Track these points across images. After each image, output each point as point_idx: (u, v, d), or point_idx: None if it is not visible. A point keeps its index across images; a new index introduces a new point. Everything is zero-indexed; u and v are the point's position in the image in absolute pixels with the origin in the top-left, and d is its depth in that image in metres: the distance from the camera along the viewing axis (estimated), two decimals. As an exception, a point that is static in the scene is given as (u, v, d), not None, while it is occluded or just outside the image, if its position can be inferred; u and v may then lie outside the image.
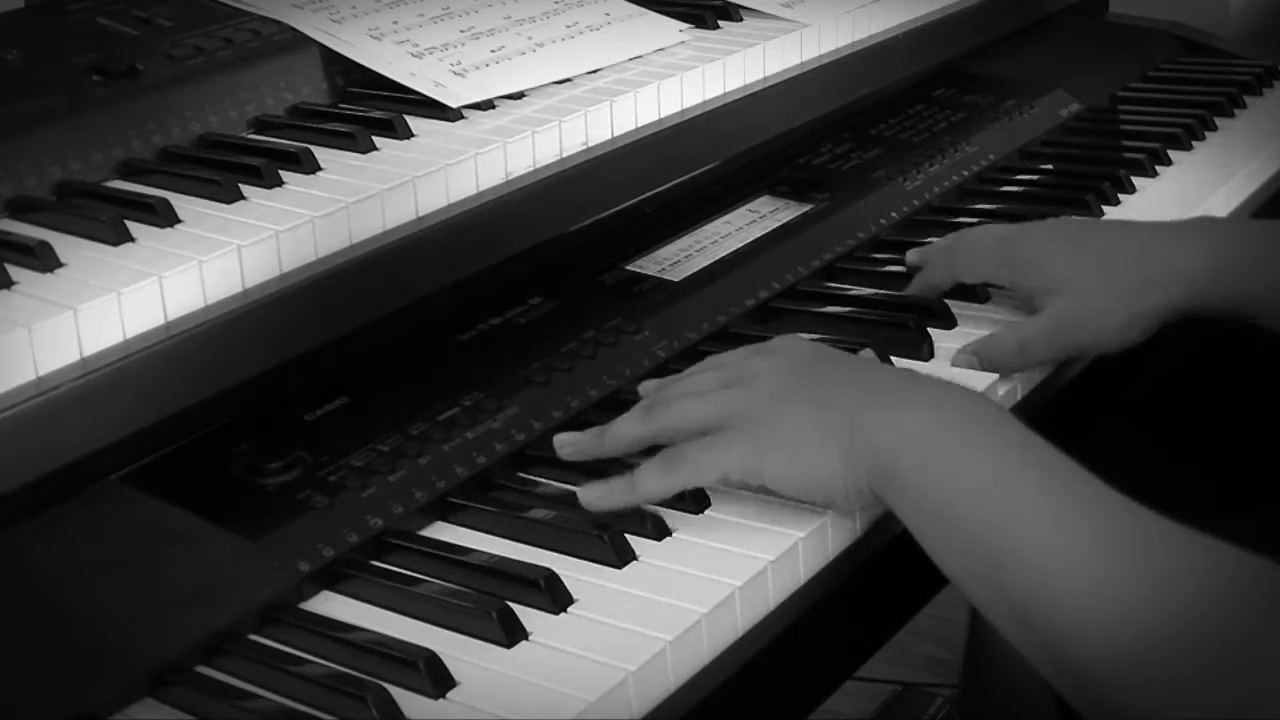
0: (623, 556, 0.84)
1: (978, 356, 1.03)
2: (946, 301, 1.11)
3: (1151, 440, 1.52)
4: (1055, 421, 1.05)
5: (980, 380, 1.01)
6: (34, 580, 0.80)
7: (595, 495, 0.87)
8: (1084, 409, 1.13)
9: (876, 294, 1.14)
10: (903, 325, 1.07)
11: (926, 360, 1.05)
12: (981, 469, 0.79)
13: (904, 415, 0.82)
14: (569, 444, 0.91)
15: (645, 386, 0.96)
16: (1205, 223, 1.07)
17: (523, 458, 0.94)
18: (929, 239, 1.24)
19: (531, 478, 0.93)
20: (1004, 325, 1.08)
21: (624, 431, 0.89)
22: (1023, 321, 1.06)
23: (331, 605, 0.83)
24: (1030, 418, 1.02)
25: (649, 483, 0.86)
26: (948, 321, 1.10)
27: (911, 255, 1.16)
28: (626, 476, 0.87)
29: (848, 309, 1.12)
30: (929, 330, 1.06)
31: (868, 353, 1.00)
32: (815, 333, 1.09)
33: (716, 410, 0.87)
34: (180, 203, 0.97)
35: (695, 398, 0.88)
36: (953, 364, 1.04)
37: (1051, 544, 0.76)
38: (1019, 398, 1.04)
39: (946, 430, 0.81)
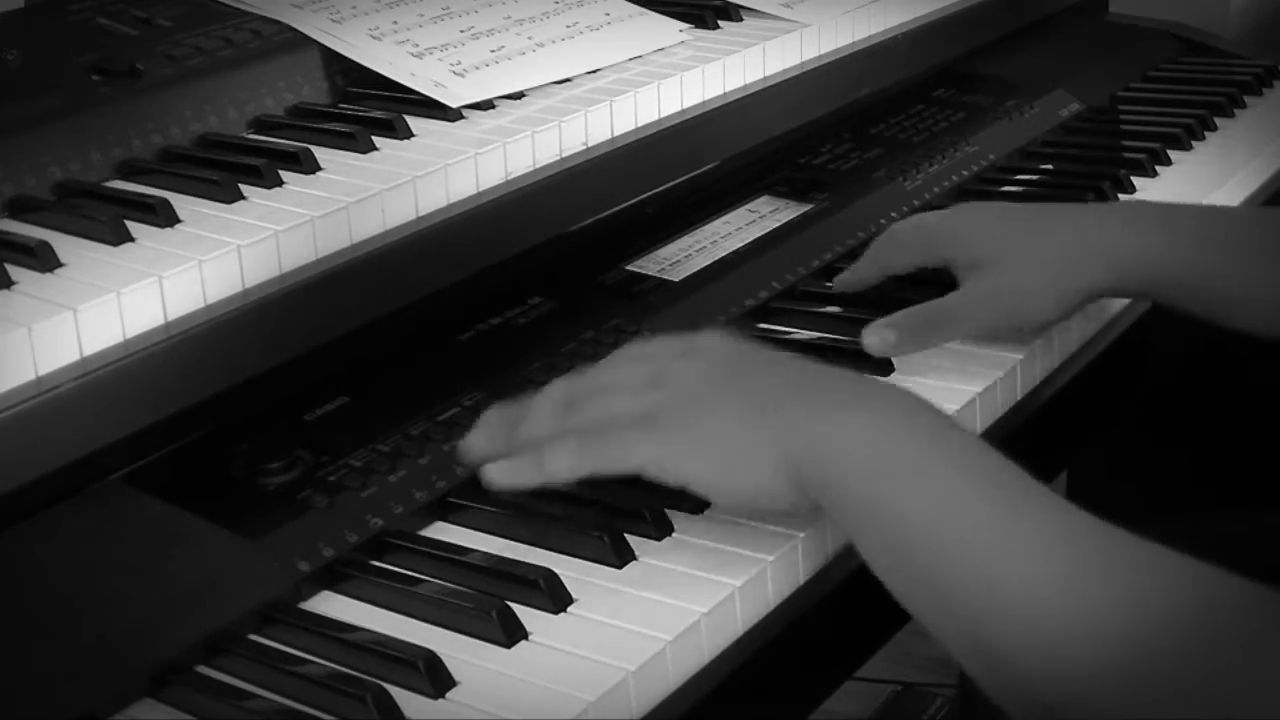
0: (622, 556, 0.84)
1: (894, 328, 1.01)
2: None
3: (1152, 440, 1.52)
4: (1048, 428, 1.06)
5: (979, 383, 1.01)
6: (34, 580, 0.80)
7: (500, 473, 0.84)
8: (1079, 415, 1.13)
9: (876, 294, 1.13)
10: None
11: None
12: (922, 481, 0.76)
13: (844, 423, 0.78)
14: (501, 475, 0.85)
15: (554, 386, 0.89)
16: (1132, 205, 1.07)
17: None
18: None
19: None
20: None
21: (538, 430, 0.85)
22: (945, 296, 1.05)
23: (331, 605, 0.83)
24: (1023, 424, 1.03)
25: (558, 462, 0.83)
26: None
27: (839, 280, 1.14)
28: (534, 454, 0.83)
29: (848, 309, 1.12)
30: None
31: None
32: (815, 333, 1.09)
33: (636, 406, 0.83)
34: (180, 203, 0.97)
35: (617, 394, 0.84)
36: (864, 343, 1.02)
37: (999, 556, 0.72)
38: (1018, 397, 1.04)
39: (889, 439, 0.77)
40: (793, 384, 0.83)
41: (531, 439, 0.85)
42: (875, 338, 1.01)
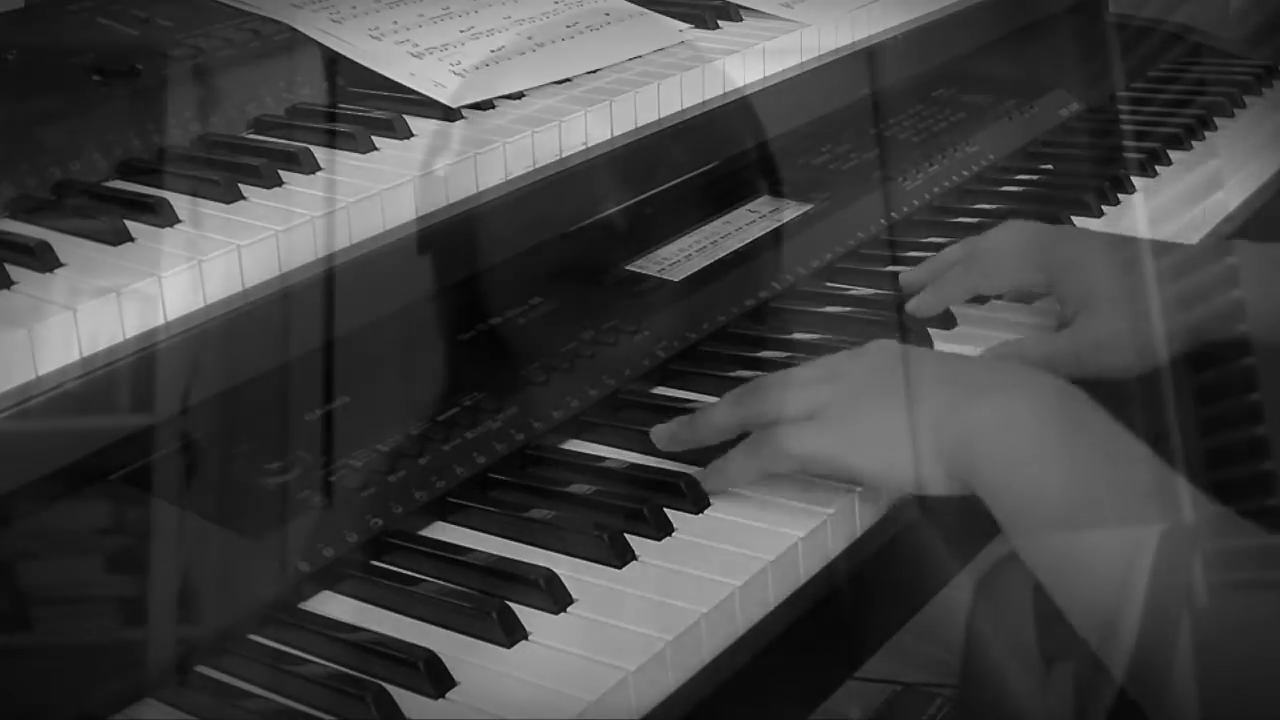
0: (623, 556, 0.84)
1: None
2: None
3: (1153, 440, 1.52)
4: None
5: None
6: (34, 580, 0.80)
7: (667, 443, 0.93)
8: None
9: (877, 294, 1.14)
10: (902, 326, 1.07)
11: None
12: (1045, 457, 0.81)
13: (982, 404, 0.84)
14: (664, 436, 0.94)
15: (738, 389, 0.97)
16: (1236, 246, 1.07)
17: (523, 457, 0.94)
18: (928, 240, 1.24)
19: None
20: (1030, 334, 1.06)
21: (715, 418, 0.92)
22: (1048, 336, 1.05)
23: (331, 605, 0.83)
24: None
25: (735, 465, 0.90)
26: (947, 322, 1.10)
27: (906, 277, 1.13)
28: (718, 462, 0.90)
29: (848, 309, 1.12)
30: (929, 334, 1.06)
31: None
32: (815, 332, 1.10)
33: (805, 401, 0.89)
34: (180, 203, 0.97)
35: (786, 388, 0.91)
36: None
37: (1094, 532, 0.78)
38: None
39: (1020, 416, 0.83)
40: (944, 376, 0.88)
41: (710, 438, 0.92)
42: None
